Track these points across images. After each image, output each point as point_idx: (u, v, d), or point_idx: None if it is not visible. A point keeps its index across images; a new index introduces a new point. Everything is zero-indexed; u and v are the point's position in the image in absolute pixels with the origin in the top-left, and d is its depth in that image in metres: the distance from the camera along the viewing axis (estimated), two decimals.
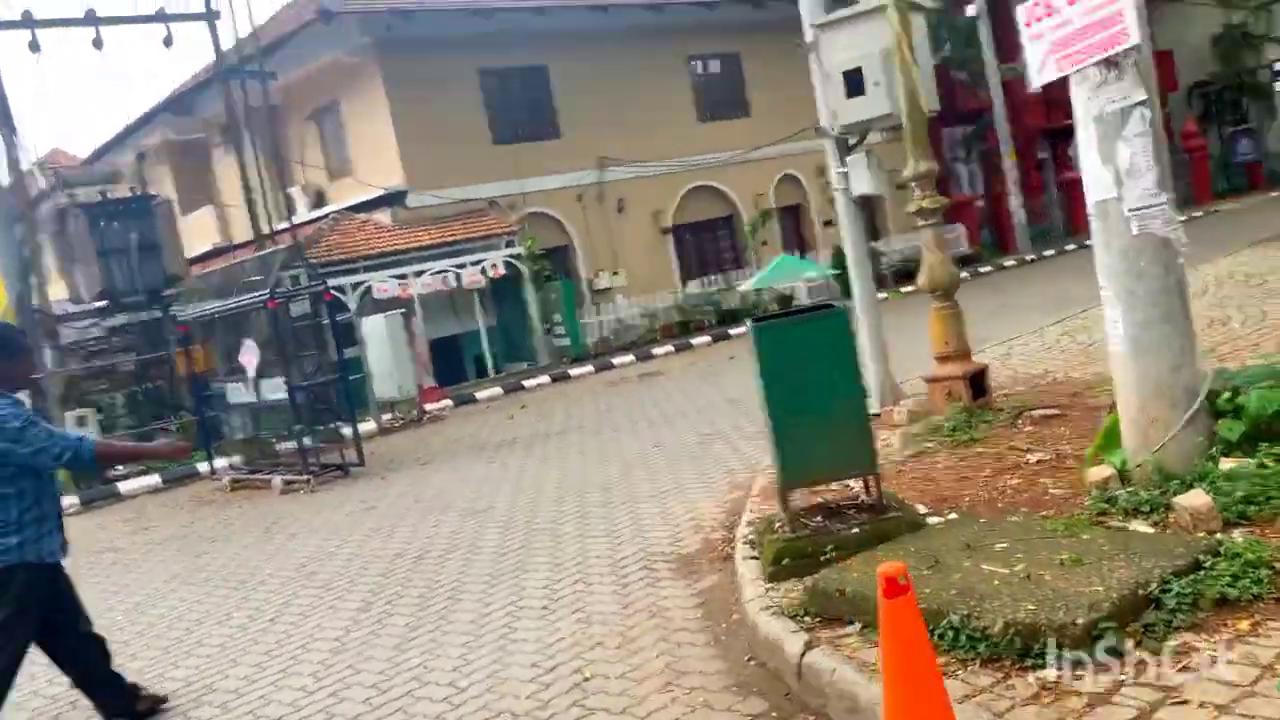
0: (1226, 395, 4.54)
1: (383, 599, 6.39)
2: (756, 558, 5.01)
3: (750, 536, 5.37)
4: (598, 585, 5.80)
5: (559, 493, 8.59)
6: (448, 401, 17.31)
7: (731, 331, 21.00)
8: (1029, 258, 26.22)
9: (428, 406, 16.83)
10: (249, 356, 12.16)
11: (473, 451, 11.93)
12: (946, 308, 6.86)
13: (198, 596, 7.44)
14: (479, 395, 17.75)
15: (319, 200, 22.85)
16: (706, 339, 20.65)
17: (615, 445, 10.41)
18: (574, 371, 18.82)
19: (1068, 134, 29.71)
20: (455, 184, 20.73)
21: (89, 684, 4.86)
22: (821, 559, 4.51)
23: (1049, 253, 27.11)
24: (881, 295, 23.48)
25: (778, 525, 4.94)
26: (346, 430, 12.56)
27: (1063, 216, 32.46)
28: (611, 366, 19.05)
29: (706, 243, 25.29)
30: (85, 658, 4.83)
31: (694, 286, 23.33)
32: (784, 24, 26.27)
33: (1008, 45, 30.46)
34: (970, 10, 26.42)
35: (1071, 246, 27.40)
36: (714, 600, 5.13)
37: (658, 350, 19.94)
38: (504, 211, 21.22)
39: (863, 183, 7.63)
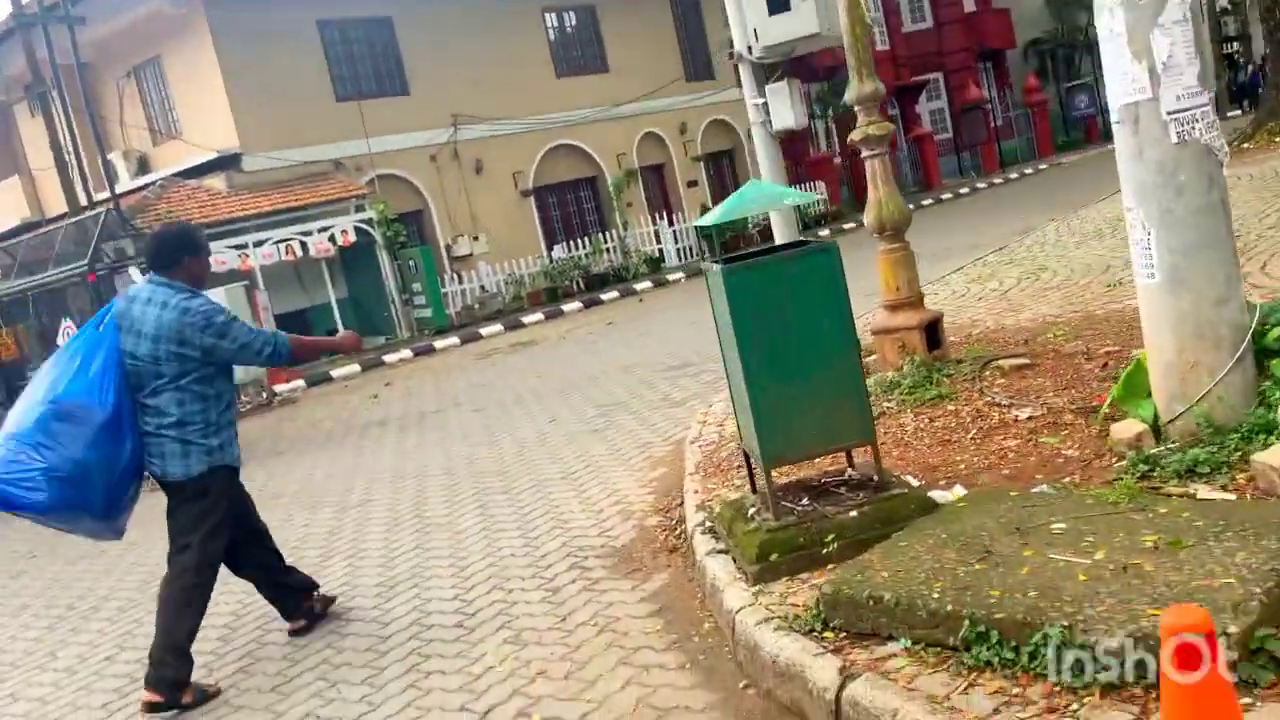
0: (1276, 333, 3.87)
1: (250, 624, 5.22)
2: (725, 551, 4.10)
3: (708, 524, 4.46)
4: (521, 592, 4.79)
5: (449, 480, 7.49)
6: (300, 382, 15.81)
7: (603, 296, 20.08)
8: None
9: (277, 388, 15.31)
10: (67, 339, 10.52)
11: (337, 437, 10.66)
12: (897, 249, 6.07)
13: (12, 631, 6.08)
14: (334, 374, 16.31)
15: (143, 167, 20.75)
16: (577, 305, 19.66)
17: (503, 422, 9.35)
18: (438, 344, 17.54)
19: (915, 91, 29.81)
20: (296, 145, 19.06)
21: (267, 583, 4.83)
22: (822, 552, 3.64)
23: (909, 207, 27.08)
24: None
25: (751, 510, 4.04)
26: None
27: (914, 173, 32.72)
28: (479, 337, 17.86)
29: (570, 205, 24.25)
30: (262, 557, 4.79)
31: (559, 251, 22.26)
32: None
33: None
34: None
35: (928, 201, 27.51)
36: (674, 606, 4.20)
37: (527, 319, 18.84)
38: (351, 173, 19.67)
39: (785, 114, 6.76)
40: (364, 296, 19.66)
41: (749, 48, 6.70)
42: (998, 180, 30.01)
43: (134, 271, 10.88)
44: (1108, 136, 30.54)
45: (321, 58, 19.88)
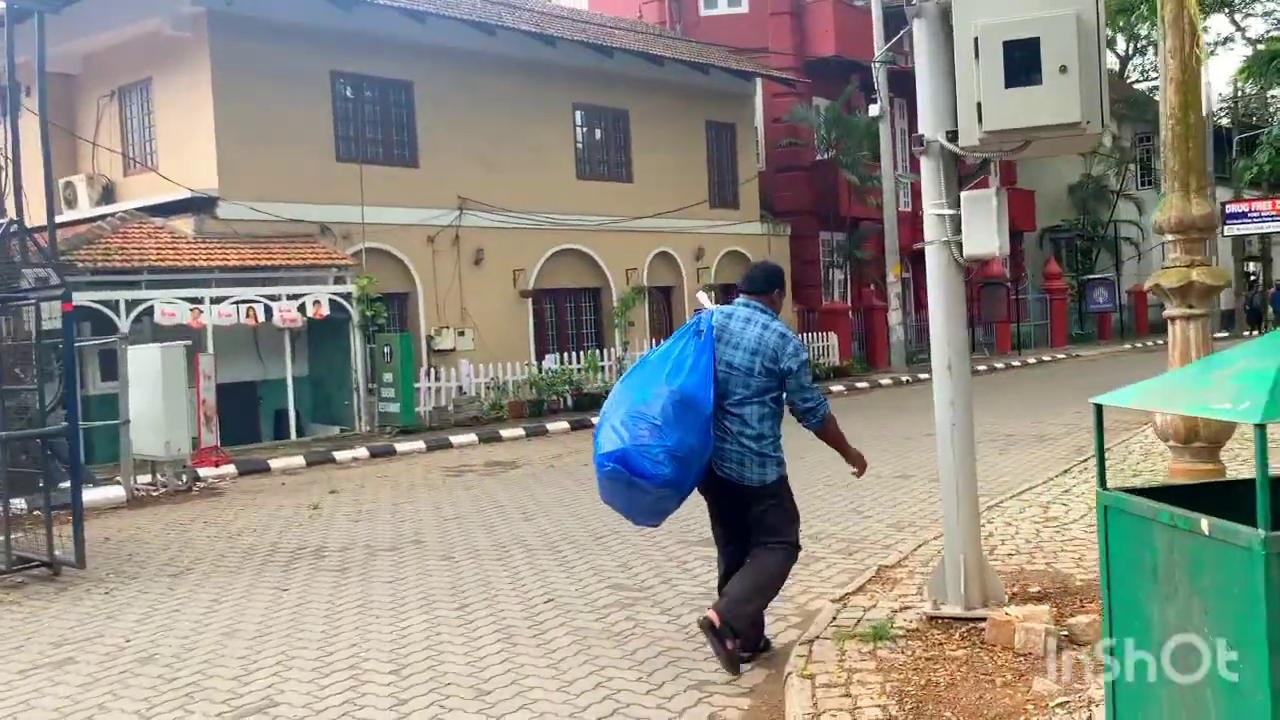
0: None
1: None
2: None
3: None
4: None
5: (398, 685, 5.05)
6: (230, 468, 13.30)
7: (593, 418, 17.75)
8: (904, 378, 24.26)
9: (203, 472, 12.81)
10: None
11: (255, 562, 8.16)
12: (1209, 469, 3.84)
13: None
14: (274, 464, 13.79)
15: (108, 195, 18.46)
16: (564, 424, 17.32)
17: (479, 586, 6.93)
18: (401, 446, 15.10)
19: (924, 258, 28.55)
20: (281, 199, 16.89)
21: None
22: None
23: (924, 375, 25.27)
24: None
25: None
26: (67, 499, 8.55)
27: (919, 341, 30.91)
28: (449, 445, 15.43)
29: (568, 314, 22.17)
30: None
31: (550, 361, 20.03)
32: (679, 87, 24.04)
33: (913, 156, 28.97)
34: (874, 110, 24.51)
35: None
36: None
37: (505, 432, 16.45)
38: (337, 241, 17.48)
39: (987, 237, 4.61)
40: (325, 379, 17.27)
41: (951, 134, 4.57)
42: (1016, 363, 28.34)
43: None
44: (1122, 334, 29.69)
45: (329, 111, 17.91)
